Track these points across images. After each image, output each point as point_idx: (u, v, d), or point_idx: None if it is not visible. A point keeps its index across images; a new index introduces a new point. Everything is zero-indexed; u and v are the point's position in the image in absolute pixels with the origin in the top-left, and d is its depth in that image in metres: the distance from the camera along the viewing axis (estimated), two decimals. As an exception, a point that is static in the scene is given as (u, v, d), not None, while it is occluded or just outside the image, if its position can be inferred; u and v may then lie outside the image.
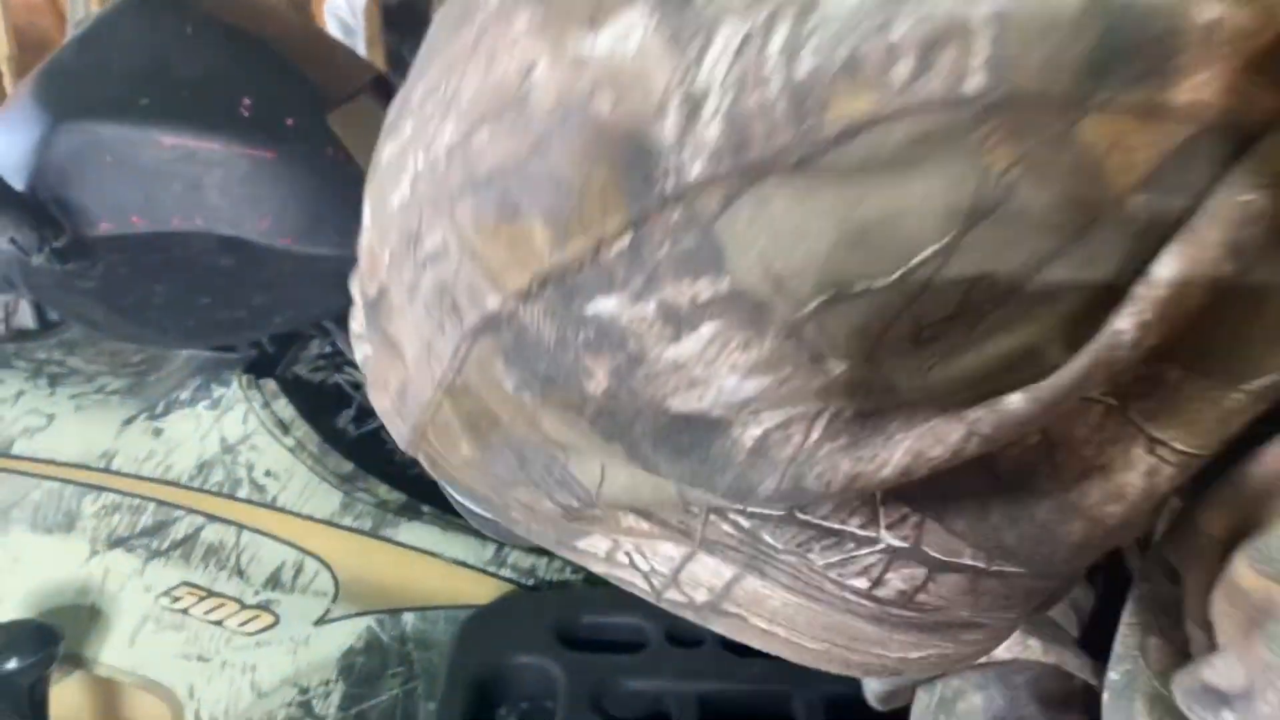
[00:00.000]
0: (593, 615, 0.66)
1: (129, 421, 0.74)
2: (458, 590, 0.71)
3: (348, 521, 0.71)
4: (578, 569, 0.72)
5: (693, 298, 0.22)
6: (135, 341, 0.77)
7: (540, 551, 0.87)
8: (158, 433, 0.73)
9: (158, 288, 0.68)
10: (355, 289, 0.32)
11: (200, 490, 0.71)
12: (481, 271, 0.24)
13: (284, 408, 0.74)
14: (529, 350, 0.25)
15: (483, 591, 0.71)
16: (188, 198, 0.63)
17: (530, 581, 0.71)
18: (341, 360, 0.80)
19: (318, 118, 0.65)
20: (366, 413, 0.80)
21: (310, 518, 0.71)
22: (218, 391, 0.74)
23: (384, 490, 0.74)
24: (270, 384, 0.74)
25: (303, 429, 0.74)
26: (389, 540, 0.71)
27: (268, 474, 0.72)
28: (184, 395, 0.74)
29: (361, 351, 0.33)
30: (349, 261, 0.32)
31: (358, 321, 0.32)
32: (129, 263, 0.67)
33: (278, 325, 0.70)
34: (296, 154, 0.64)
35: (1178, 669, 0.31)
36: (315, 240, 0.66)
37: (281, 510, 0.71)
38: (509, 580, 0.71)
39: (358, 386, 0.79)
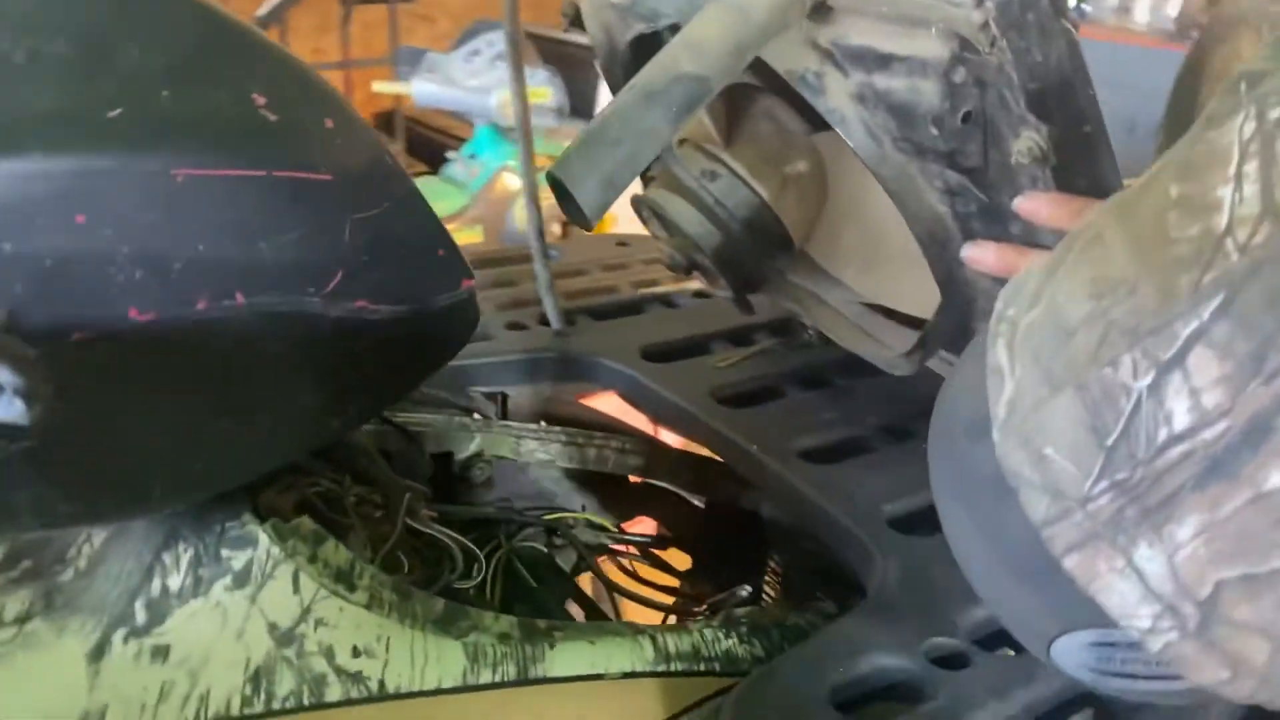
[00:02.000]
0: (849, 664, 0.54)
1: (99, 654, 0.46)
2: (646, 709, 0.55)
3: (486, 676, 0.51)
4: (750, 637, 0.58)
5: None
6: (78, 523, 0.48)
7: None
8: (161, 654, 0.46)
9: (143, 424, 0.42)
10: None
11: (272, 716, 0.47)
12: None
13: (335, 550, 0.50)
14: None
15: (673, 697, 0.55)
16: (218, 260, 0.39)
17: (715, 661, 0.57)
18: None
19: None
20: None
21: (441, 690, 0.50)
22: (235, 557, 0.48)
23: (493, 620, 0.54)
24: (305, 521, 0.50)
25: (369, 574, 0.51)
26: (545, 681, 0.53)
27: (357, 653, 0.49)
28: (173, 584, 0.48)
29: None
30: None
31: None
32: (100, 391, 0.40)
33: (328, 434, 0.47)
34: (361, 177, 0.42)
35: None
36: (397, 296, 0.44)
37: (401, 696, 0.49)
38: (694, 672, 0.56)
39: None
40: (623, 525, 0.90)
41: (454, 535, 0.62)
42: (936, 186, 0.56)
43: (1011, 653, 0.53)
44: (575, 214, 0.52)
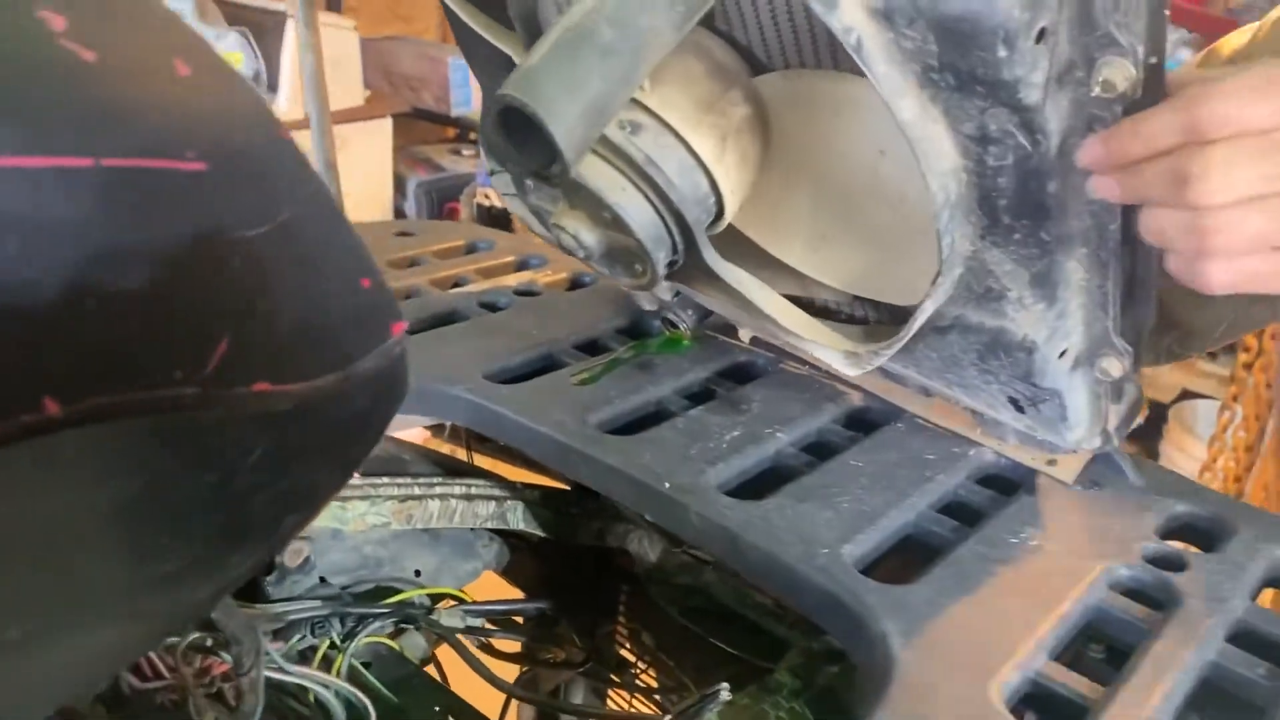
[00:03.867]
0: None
1: None
2: None
3: None
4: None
5: None
6: None
7: None
8: None
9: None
10: None
11: None
12: None
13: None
14: None
15: None
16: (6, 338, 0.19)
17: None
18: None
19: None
20: None
21: None
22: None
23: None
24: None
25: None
26: None
27: None
28: None
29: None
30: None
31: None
32: None
33: (187, 614, 0.28)
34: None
35: None
36: (313, 364, 0.26)
37: None
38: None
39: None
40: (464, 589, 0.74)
41: (323, 677, 0.43)
42: (966, 131, 0.45)
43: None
44: (536, 156, 0.36)
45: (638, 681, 0.81)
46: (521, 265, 0.92)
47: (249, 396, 0.23)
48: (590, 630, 0.80)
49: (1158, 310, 0.69)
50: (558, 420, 0.63)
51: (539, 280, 0.87)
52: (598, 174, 0.52)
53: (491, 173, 0.70)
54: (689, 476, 0.59)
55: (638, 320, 0.80)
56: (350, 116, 3.75)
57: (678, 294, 0.74)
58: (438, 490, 0.65)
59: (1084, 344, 0.54)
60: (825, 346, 0.58)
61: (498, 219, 3.36)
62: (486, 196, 3.83)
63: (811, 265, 0.60)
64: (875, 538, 0.55)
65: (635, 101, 0.52)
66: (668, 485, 0.58)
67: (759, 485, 0.60)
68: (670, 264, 0.57)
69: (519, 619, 0.81)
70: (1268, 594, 0.65)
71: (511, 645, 0.82)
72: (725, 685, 0.48)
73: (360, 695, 0.44)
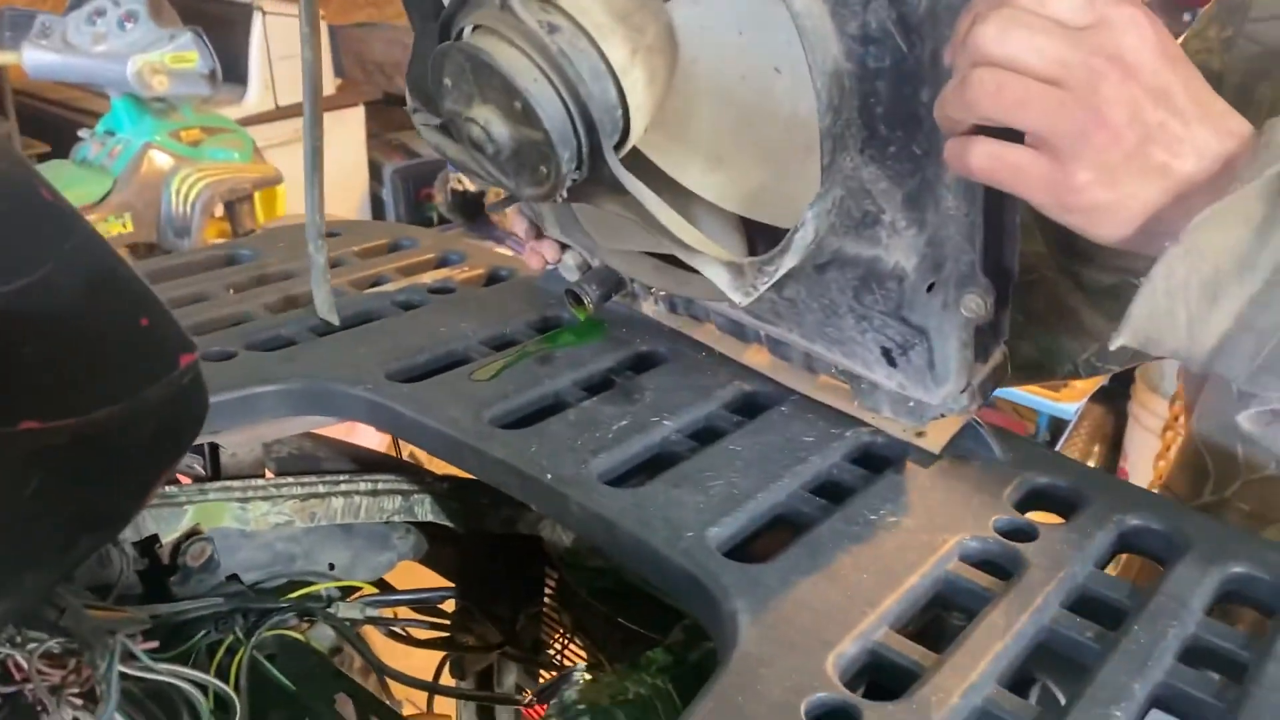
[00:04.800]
0: None
1: None
2: None
3: None
4: None
5: None
6: None
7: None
8: None
9: None
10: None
11: None
12: None
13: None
14: None
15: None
16: None
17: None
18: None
19: None
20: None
21: None
22: None
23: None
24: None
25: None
26: None
27: None
28: None
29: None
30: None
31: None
32: None
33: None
34: None
35: None
36: (84, 400, 0.29)
37: None
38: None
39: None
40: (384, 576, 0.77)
41: (190, 674, 0.46)
42: (850, 31, 0.48)
43: (891, 704, 0.47)
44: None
45: (562, 661, 0.84)
46: (442, 262, 0.95)
47: (17, 435, 0.26)
48: (514, 613, 0.84)
49: (1079, 324, 0.72)
50: (451, 417, 0.66)
51: (455, 277, 0.90)
52: (512, 60, 0.53)
53: (414, 111, 0.71)
54: (572, 467, 0.62)
55: (548, 315, 0.82)
56: (322, 105, 3.76)
57: (587, 268, 0.76)
58: (342, 487, 0.68)
59: (952, 279, 0.57)
60: (713, 263, 0.59)
61: (470, 203, 3.37)
62: (460, 181, 3.84)
63: (708, 187, 0.62)
64: (742, 519, 0.58)
65: (554, 4, 0.54)
66: (549, 477, 0.61)
67: (642, 473, 0.63)
68: (575, 174, 0.58)
69: (446, 606, 0.84)
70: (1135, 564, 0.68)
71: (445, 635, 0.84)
72: (581, 666, 0.51)
73: (228, 689, 0.47)
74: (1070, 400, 2.65)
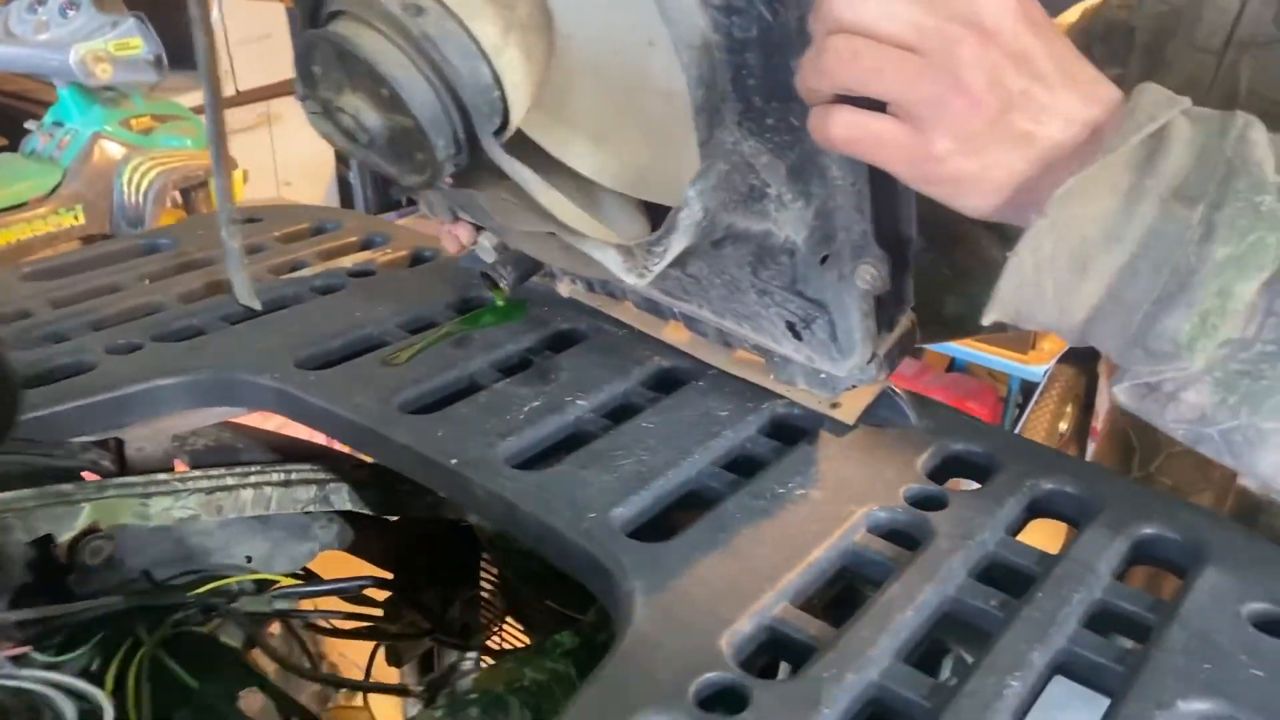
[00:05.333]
0: None
1: None
2: None
3: None
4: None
5: None
6: None
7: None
8: None
9: None
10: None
11: None
12: None
13: None
14: None
15: None
16: None
17: None
18: None
19: None
20: None
21: None
22: None
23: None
24: None
25: None
26: None
27: None
28: None
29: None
30: None
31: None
32: None
33: None
34: None
35: None
36: None
37: None
38: None
39: None
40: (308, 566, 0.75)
41: (59, 679, 0.45)
42: (714, 2, 0.47)
43: (783, 683, 0.46)
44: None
45: (502, 646, 0.83)
46: (365, 245, 0.93)
47: None
48: (447, 600, 0.83)
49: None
50: (358, 403, 0.65)
51: (378, 260, 0.88)
52: (376, 47, 0.51)
53: (303, 99, 0.68)
54: (479, 451, 0.60)
55: (469, 296, 0.81)
56: (283, 90, 3.71)
57: (504, 249, 0.74)
58: (252, 479, 0.67)
59: (846, 250, 0.55)
60: (602, 246, 0.58)
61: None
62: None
63: (592, 167, 0.60)
64: (647, 498, 0.57)
65: None
66: (454, 461, 0.60)
67: (554, 454, 0.62)
68: (455, 160, 0.56)
69: (381, 594, 0.83)
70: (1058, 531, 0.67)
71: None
72: (473, 654, 0.50)
73: (97, 693, 0.46)
74: (1040, 363, 2.65)
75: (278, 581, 0.69)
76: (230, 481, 0.66)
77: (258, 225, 0.95)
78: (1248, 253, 0.39)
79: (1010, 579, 0.52)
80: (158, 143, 2.57)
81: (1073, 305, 0.44)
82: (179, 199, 2.66)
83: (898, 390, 0.64)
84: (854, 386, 0.63)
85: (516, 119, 0.56)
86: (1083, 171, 0.42)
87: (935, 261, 0.72)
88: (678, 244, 0.55)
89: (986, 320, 0.45)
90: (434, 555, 0.83)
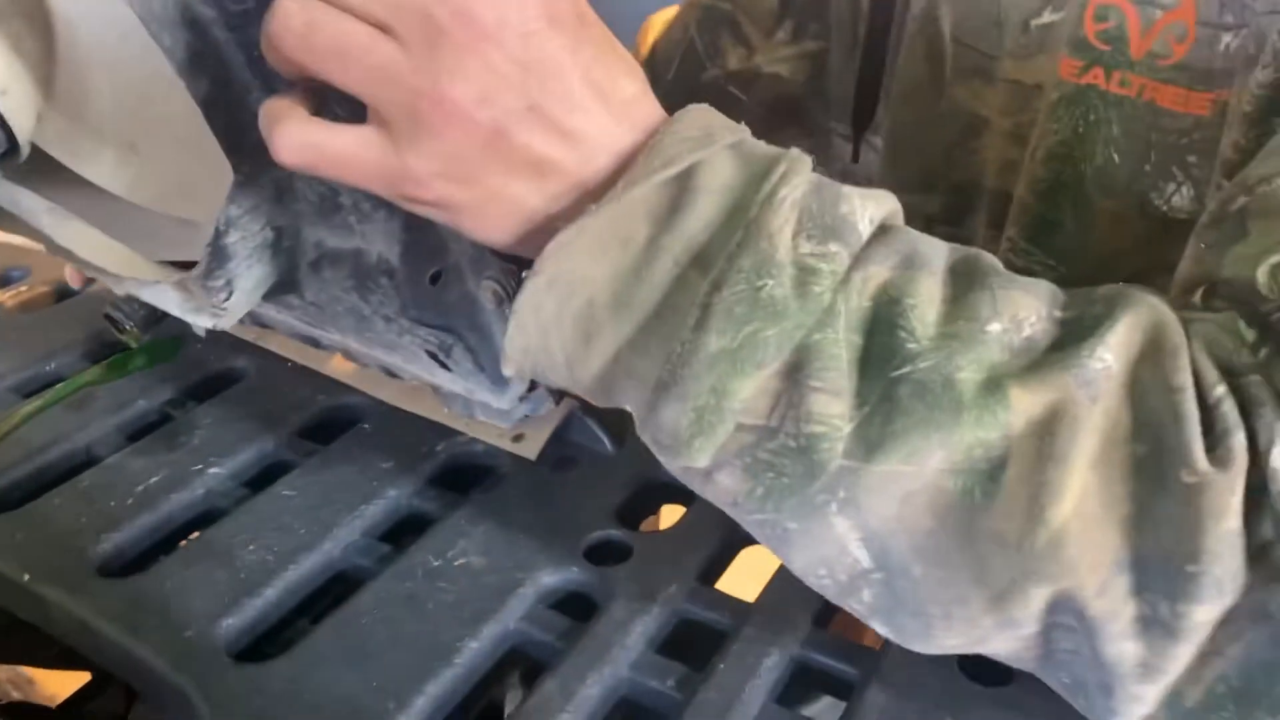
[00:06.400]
0: None
1: None
2: None
3: None
4: None
5: None
6: None
7: None
8: None
9: None
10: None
11: None
12: None
13: None
14: None
15: None
16: None
17: None
18: None
19: None
20: None
21: None
22: None
23: None
24: None
25: None
26: None
27: None
28: None
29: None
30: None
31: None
32: None
33: None
34: None
35: None
36: None
37: None
38: None
39: None
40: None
41: None
42: None
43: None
44: None
45: None
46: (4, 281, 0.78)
47: None
48: None
49: None
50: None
51: (4, 302, 0.73)
52: None
53: None
54: (65, 557, 0.48)
55: (105, 341, 0.67)
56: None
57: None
58: None
59: (464, 265, 0.45)
60: (154, 285, 0.46)
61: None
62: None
63: (125, 184, 0.48)
64: (272, 597, 0.46)
65: None
66: (27, 577, 0.47)
67: (154, 551, 0.50)
68: None
69: None
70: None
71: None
72: None
73: None
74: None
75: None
76: None
77: None
78: (743, 346, 0.31)
79: (687, 646, 0.44)
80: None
81: (584, 376, 0.35)
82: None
83: (587, 414, 0.55)
84: (529, 416, 0.53)
85: (26, 130, 0.44)
86: (579, 219, 0.32)
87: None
88: (246, 273, 0.44)
89: (506, 372, 0.36)
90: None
